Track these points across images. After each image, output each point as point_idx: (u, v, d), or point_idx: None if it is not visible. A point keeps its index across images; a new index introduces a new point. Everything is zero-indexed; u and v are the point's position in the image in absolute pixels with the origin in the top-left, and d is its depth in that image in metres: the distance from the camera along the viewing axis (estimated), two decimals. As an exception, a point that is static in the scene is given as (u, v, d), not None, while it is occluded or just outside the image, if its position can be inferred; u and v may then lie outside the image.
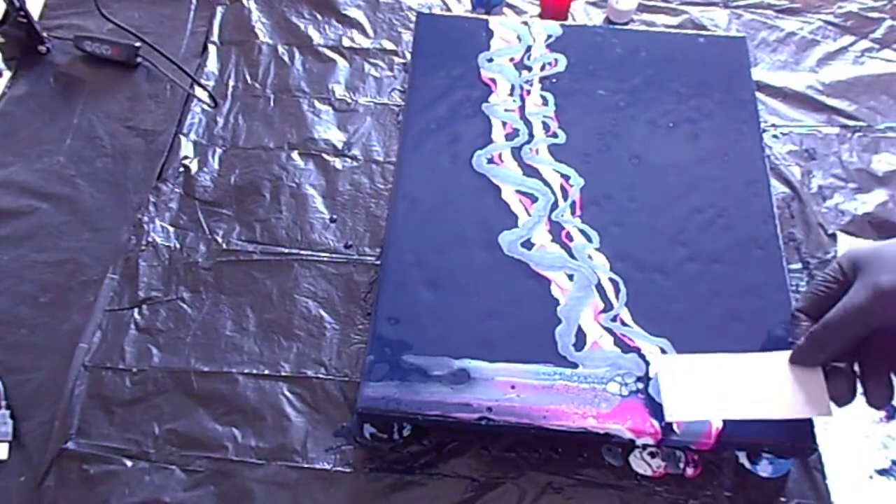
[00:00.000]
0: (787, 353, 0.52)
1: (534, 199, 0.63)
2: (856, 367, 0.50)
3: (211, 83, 0.76)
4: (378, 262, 0.65)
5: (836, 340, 0.49)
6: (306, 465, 0.56)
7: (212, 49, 0.79)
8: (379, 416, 0.54)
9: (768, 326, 0.57)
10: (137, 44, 0.76)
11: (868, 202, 0.69)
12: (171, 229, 0.67)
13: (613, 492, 0.55)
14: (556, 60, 0.71)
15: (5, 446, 0.56)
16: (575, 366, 0.55)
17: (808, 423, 0.52)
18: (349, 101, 0.75)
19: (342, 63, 0.78)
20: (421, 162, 0.65)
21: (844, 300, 0.48)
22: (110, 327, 0.62)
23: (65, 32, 0.79)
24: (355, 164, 0.71)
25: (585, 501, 0.55)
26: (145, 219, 0.67)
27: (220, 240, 0.67)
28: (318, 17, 0.82)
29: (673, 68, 0.71)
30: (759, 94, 0.73)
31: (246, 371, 0.60)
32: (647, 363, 0.55)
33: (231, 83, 0.77)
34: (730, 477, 0.56)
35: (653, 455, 0.56)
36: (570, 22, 0.81)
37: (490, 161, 0.65)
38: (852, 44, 0.81)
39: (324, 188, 0.70)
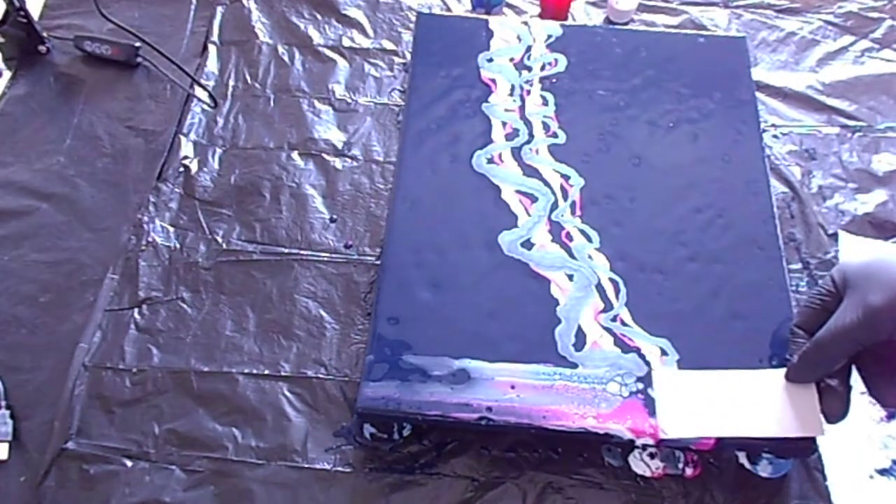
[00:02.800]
0: (781, 372, 0.53)
1: (534, 199, 0.63)
2: (851, 383, 0.50)
3: (211, 83, 0.76)
4: (378, 262, 0.65)
5: (829, 358, 0.49)
6: (306, 465, 0.56)
7: (212, 49, 0.79)
8: (379, 416, 0.54)
9: (768, 326, 0.57)
10: (137, 44, 0.76)
11: (868, 202, 0.69)
12: (171, 229, 0.67)
13: (613, 492, 0.55)
14: (556, 60, 0.71)
15: (5, 446, 0.56)
16: (575, 366, 0.55)
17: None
18: (349, 101, 0.75)
19: (342, 63, 0.78)
20: (421, 162, 0.65)
21: (834, 318, 0.48)
22: (110, 327, 0.62)
23: (65, 32, 0.79)
24: (355, 164, 0.71)
25: (585, 501, 0.55)
26: (145, 219, 0.67)
27: (220, 240, 0.67)
28: (318, 17, 0.82)
29: (673, 68, 0.71)
30: (759, 94, 0.73)
31: (246, 371, 0.60)
32: (648, 363, 0.55)
33: (231, 83, 0.77)
34: (730, 477, 0.56)
35: (652, 456, 0.56)
36: (570, 22, 0.81)
37: (490, 161, 0.65)
38: (852, 44, 0.81)
39: (324, 188, 0.70)
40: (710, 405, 0.52)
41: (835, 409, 0.50)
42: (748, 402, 0.52)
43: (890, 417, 0.58)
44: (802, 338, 0.51)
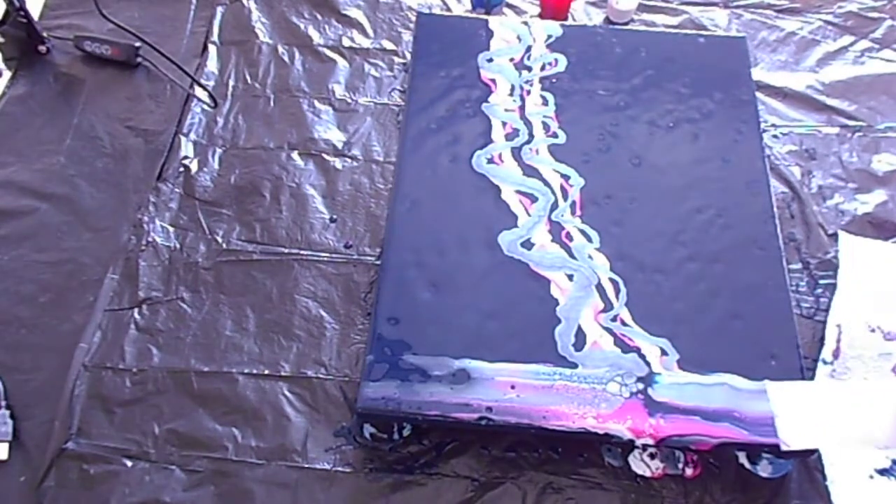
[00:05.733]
0: None
1: (534, 199, 0.63)
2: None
3: (211, 83, 0.76)
4: (378, 262, 0.65)
5: None
6: (306, 465, 0.56)
7: (212, 49, 0.79)
8: (379, 416, 0.54)
9: (768, 326, 0.57)
10: (137, 44, 0.76)
11: (868, 202, 0.69)
12: (171, 229, 0.67)
13: (613, 492, 0.55)
14: (556, 60, 0.71)
15: (5, 446, 0.56)
16: (575, 366, 0.55)
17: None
18: (349, 101, 0.75)
19: (342, 63, 0.78)
20: (421, 162, 0.65)
21: None
22: (110, 327, 0.62)
23: (65, 32, 0.79)
24: (355, 164, 0.71)
25: (585, 501, 0.55)
26: (145, 219, 0.67)
27: (220, 240, 0.67)
28: (318, 17, 0.82)
29: (673, 68, 0.71)
30: (759, 94, 0.73)
31: (246, 371, 0.60)
32: (648, 363, 0.55)
33: (231, 83, 0.77)
34: (730, 477, 0.56)
35: (652, 456, 0.56)
36: (570, 22, 0.81)
37: (490, 161, 0.65)
38: (852, 44, 0.81)
39: (324, 188, 0.70)
40: (827, 416, 0.52)
41: None
42: (867, 414, 0.52)
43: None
44: None
